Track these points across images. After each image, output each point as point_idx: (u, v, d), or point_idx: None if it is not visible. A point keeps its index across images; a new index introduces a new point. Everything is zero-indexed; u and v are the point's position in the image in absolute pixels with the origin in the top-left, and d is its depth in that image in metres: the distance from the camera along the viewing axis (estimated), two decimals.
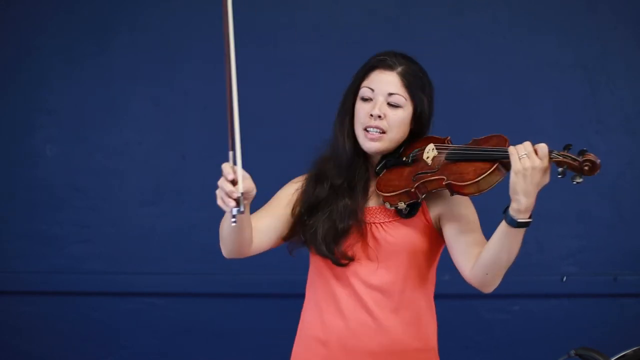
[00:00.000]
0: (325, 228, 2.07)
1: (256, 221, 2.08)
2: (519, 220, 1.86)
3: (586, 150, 1.84)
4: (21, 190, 3.25)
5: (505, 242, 1.89)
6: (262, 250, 2.12)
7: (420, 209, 2.05)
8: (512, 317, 3.29)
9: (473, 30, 3.25)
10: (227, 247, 2.02)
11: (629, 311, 3.30)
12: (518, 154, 1.84)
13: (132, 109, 3.25)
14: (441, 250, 2.10)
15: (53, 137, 3.24)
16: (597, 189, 3.27)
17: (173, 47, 3.23)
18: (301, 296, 2.16)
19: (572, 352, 2.60)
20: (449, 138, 2.05)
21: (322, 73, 3.22)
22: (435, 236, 2.06)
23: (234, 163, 1.78)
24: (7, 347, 3.27)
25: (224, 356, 3.28)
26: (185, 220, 3.25)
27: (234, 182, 1.78)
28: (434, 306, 2.13)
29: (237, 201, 1.76)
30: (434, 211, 2.05)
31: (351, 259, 2.06)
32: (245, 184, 1.79)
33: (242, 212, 1.77)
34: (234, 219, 1.79)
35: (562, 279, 3.26)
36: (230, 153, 1.79)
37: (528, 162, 1.83)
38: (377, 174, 2.08)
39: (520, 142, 1.77)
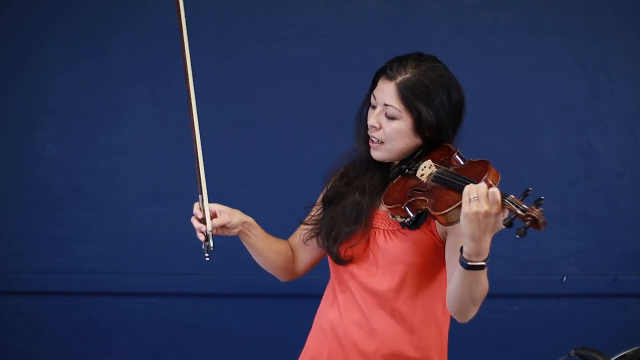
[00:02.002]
0: (331, 224, 2.07)
1: (292, 239, 2.22)
2: (469, 264, 1.75)
3: (541, 201, 1.67)
4: (21, 190, 3.25)
5: (463, 281, 1.80)
6: (313, 265, 2.23)
7: (427, 221, 1.97)
8: (512, 317, 3.29)
9: (473, 30, 3.25)
10: (270, 272, 2.22)
11: (629, 311, 3.30)
12: (469, 196, 1.70)
13: (132, 109, 3.24)
14: None
15: (53, 137, 3.24)
16: (597, 189, 3.27)
17: (173, 47, 3.22)
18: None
19: (572, 352, 2.60)
20: (457, 151, 1.95)
21: (322, 73, 3.22)
22: (443, 251, 1.98)
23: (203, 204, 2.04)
24: (7, 347, 3.26)
25: (224, 356, 3.28)
26: (185, 220, 3.22)
27: (204, 221, 2.03)
28: (440, 322, 2.05)
29: (207, 237, 2.01)
30: (440, 225, 1.95)
31: (348, 261, 2.06)
32: (220, 219, 2.04)
33: (212, 248, 2.00)
34: (206, 254, 2.01)
35: (562, 279, 3.26)
36: (200, 196, 2.05)
37: (476, 206, 1.69)
38: (391, 179, 2.03)
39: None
